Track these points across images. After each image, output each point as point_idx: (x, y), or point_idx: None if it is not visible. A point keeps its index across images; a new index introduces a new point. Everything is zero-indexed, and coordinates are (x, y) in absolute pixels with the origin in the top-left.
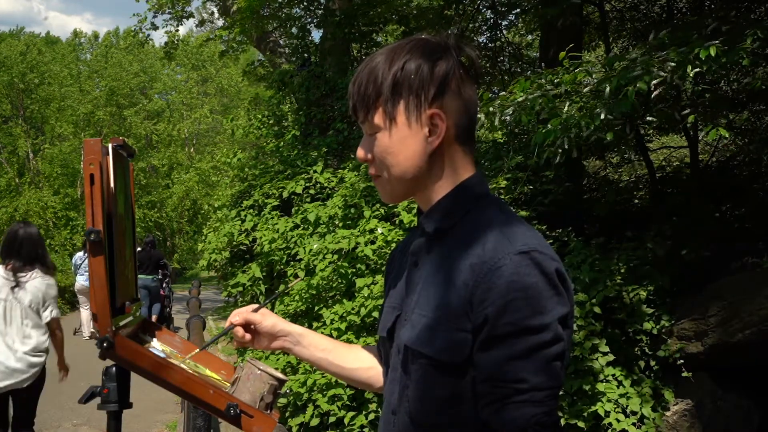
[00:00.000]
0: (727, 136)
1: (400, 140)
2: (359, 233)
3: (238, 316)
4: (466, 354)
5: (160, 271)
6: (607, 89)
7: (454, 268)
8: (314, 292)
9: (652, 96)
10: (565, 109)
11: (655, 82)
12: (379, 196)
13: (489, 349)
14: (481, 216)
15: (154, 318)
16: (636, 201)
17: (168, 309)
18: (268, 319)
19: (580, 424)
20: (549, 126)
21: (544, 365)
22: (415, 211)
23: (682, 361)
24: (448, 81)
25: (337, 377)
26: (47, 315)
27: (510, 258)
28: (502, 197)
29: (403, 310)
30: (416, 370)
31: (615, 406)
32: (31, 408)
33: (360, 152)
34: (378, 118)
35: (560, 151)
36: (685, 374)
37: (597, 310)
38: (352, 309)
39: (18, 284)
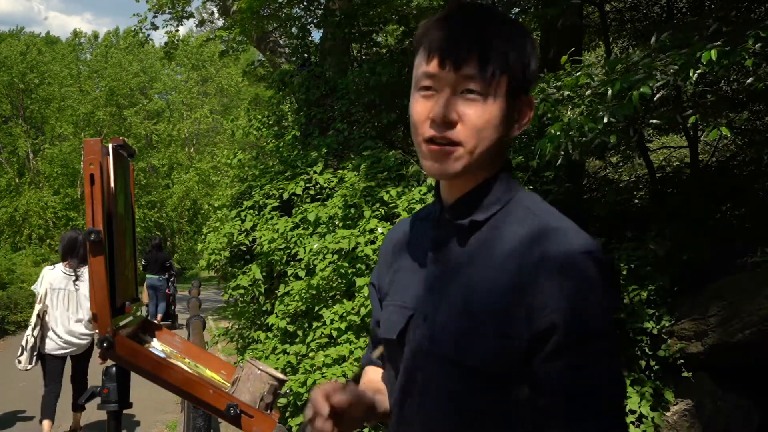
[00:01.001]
0: (728, 134)
1: (503, 117)
2: (359, 233)
3: (323, 402)
4: (514, 364)
5: (166, 271)
6: (609, 93)
7: (499, 266)
8: (314, 292)
9: (655, 99)
10: (567, 113)
11: (658, 84)
12: (430, 168)
13: (558, 359)
14: (523, 209)
15: (159, 317)
16: (636, 201)
17: (173, 307)
18: (359, 399)
19: None
20: (552, 131)
21: (615, 372)
22: (415, 211)
23: (682, 361)
24: None
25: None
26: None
27: (575, 259)
28: None
29: (419, 310)
30: (444, 379)
31: None
32: (84, 368)
33: (446, 111)
34: (501, 85)
35: (562, 153)
36: (685, 374)
37: None
38: (352, 309)
39: (77, 278)
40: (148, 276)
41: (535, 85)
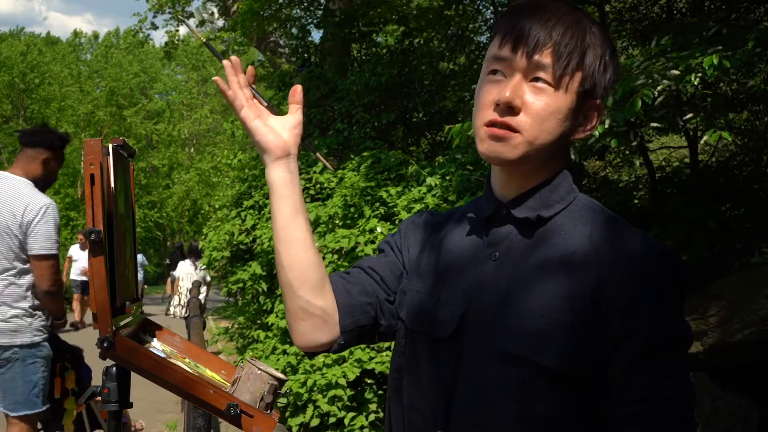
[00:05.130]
0: (729, 139)
1: (570, 112)
2: (359, 233)
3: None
4: (590, 365)
5: None
6: (611, 98)
7: (572, 266)
8: None
9: (656, 103)
10: None
11: (659, 88)
12: (486, 150)
13: (645, 364)
14: (587, 210)
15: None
16: (636, 201)
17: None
18: (296, 114)
19: None
20: None
21: (690, 377)
22: (415, 211)
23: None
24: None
25: (288, 261)
26: (208, 278)
27: (657, 263)
28: None
29: (473, 308)
30: (510, 380)
31: None
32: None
33: (511, 95)
34: (573, 80)
35: None
36: None
37: None
38: None
39: (196, 267)
40: (171, 273)
41: (609, 93)
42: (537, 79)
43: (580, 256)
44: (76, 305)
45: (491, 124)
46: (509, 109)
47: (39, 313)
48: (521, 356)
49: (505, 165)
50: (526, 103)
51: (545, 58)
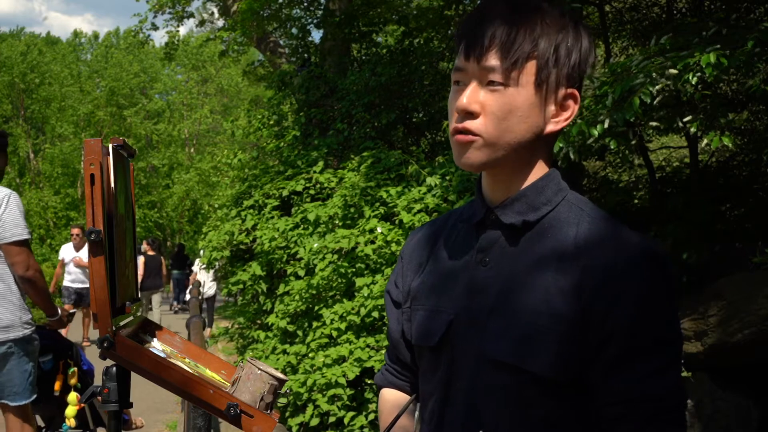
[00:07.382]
0: (730, 144)
1: (532, 106)
2: (359, 233)
3: None
4: (578, 369)
5: (186, 267)
6: (610, 98)
7: (558, 269)
8: (314, 292)
9: (655, 103)
10: None
11: (657, 87)
12: (456, 159)
13: (626, 365)
14: (575, 211)
15: (186, 298)
16: (636, 201)
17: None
18: None
19: None
20: None
21: (679, 378)
22: (415, 211)
23: (682, 361)
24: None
25: None
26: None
27: (643, 264)
28: None
29: (461, 315)
30: (498, 386)
31: None
32: (212, 303)
33: (467, 102)
34: (525, 74)
35: (562, 156)
36: (684, 374)
37: None
38: (352, 309)
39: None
40: (173, 271)
41: (578, 76)
42: (491, 83)
43: (565, 260)
44: (64, 312)
45: (455, 131)
46: (468, 114)
47: (26, 307)
48: (510, 363)
49: (479, 170)
50: (483, 107)
51: (492, 60)
